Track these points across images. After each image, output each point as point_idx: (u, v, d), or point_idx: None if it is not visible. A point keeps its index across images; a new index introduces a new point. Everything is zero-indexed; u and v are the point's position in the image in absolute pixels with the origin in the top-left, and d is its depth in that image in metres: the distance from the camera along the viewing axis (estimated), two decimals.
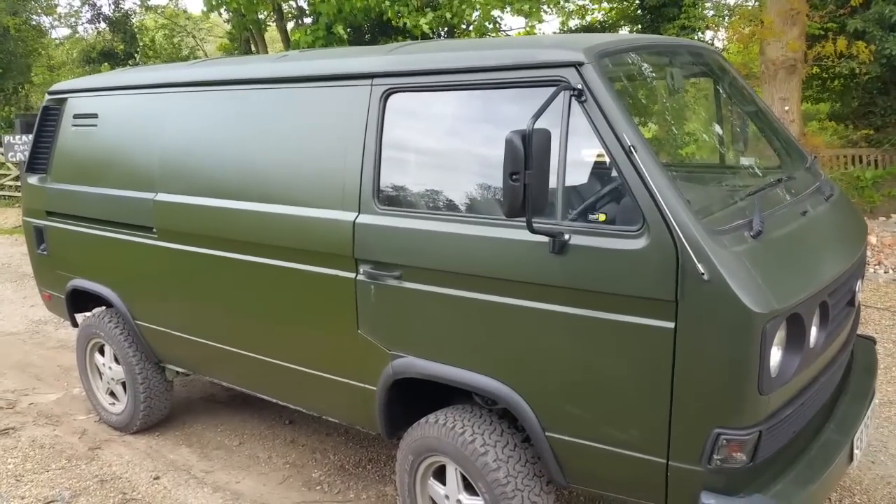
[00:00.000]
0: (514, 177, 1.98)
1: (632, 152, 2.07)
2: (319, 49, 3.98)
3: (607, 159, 2.17)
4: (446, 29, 12.58)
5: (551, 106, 2.09)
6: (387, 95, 2.62)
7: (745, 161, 3.03)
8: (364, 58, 2.77)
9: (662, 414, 2.10)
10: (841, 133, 12.61)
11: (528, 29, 14.16)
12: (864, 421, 2.53)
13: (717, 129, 3.12)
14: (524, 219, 2.05)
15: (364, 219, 2.63)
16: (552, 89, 2.19)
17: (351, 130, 2.69)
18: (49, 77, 18.07)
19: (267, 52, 14.16)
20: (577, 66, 2.20)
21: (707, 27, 11.74)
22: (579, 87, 2.17)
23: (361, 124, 2.66)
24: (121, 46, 18.03)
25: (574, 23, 15.26)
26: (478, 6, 9.56)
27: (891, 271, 6.79)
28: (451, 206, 2.51)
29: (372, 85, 2.66)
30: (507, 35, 15.08)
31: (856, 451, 2.45)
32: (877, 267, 6.86)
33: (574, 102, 2.18)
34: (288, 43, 13.32)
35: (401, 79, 2.60)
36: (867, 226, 3.04)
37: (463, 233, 2.39)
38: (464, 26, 12.51)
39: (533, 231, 2.07)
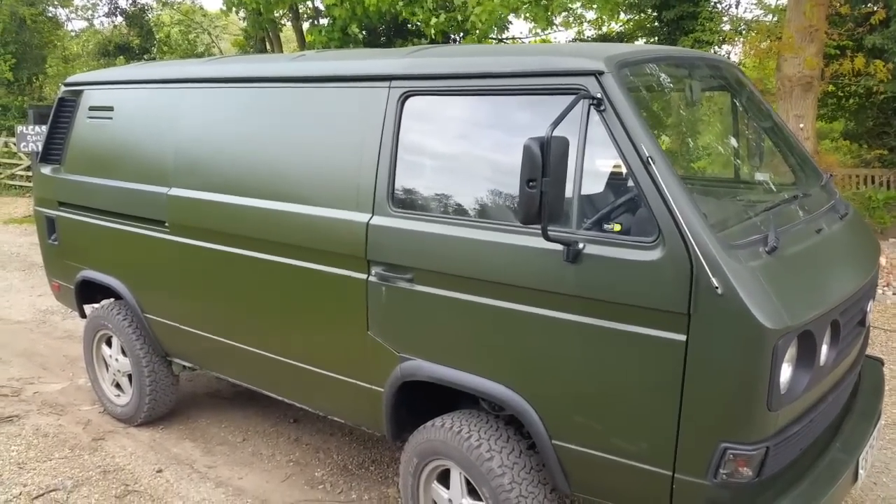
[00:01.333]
0: (531, 184, 1.99)
1: (649, 163, 2.07)
2: (337, 50, 4.00)
3: (624, 169, 2.17)
4: (462, 33, 12.61)
5: (569, 114, 2.09)
6: (404, 98, 2.63)
7: (760, 176, 3.02)
8: (382, 60, 2.79)
9: (670, 426, 2.10)
10: (854, 152, 12.58)
11: (544, 37, 14.19)
12: (870, 441, 2.52)
13: (734, 143, 3.12)
14: (539, 226, 2.05)
15: (378, 220, 2.63)
16: (570, 97, 2.19)
17: (367, 132, 2.70)
18: (63, 69, 18.17)
19: (282, 52, 14.22)
20: (596, 74, 2.21)
21: (723, 41, 11.72)
22: (598, 96, 2.18)
23: (378, 126, 2.67)
24: (136, 41, 18.13)
25: (590, 33, 15.29)
26: (480, 12, 9.57)
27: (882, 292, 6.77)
28: (465, 210, 2.51)
29: (390, 87, 2.67)
30: (522, 41, 15.12)
31: (860, 472, 2.44)
32: (885, 288, 6.82)
33: (593, 111, 2.18)
34: (303, 43, 13.38)
35: (419, 82, 2.60)
36: (880, 246, 3.03)
37: (477, 238, 2.39)
38: (476, 31, 12.54)
39: (548, 239, 2.07)
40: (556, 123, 1.99)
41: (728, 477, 2.04)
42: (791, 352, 2.03)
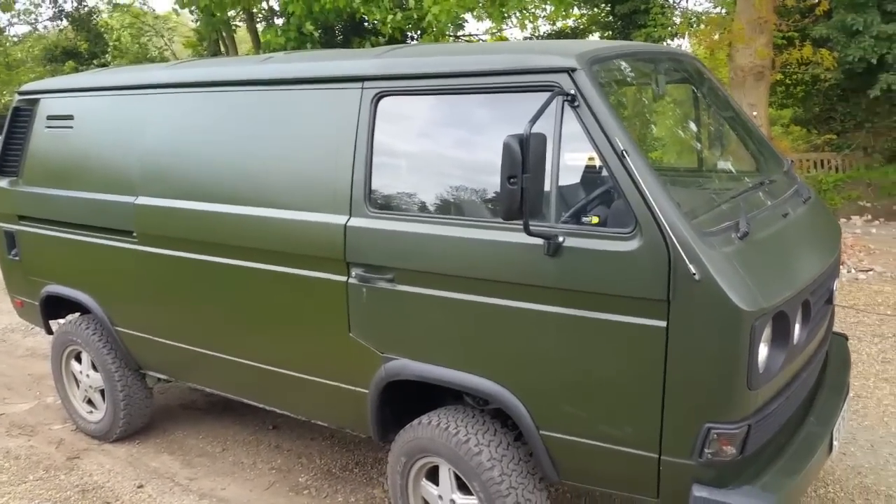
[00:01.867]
0: (511, 180, 2.02)
1: (624, 156, 2.13)
2: (306, 51, 3.97)
3: (599, 163, 2.22)
4: (419, 31, 12.61)
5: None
6: (378, 99, 2.63)
7: (724, 165, 3.11)
8: (354, 60, 2.79)
9: (655, 410, 2.16)
10: (804, 138, 13.01)
11: (499, 35, 14.27)
12: (842, 413, 2.63)
13: (698, 133, 3.21)
14: (521, 221, 2.09)
15: (356, 222, 2.63)
16: (542, 94, 2.24)
17: (341, 133, 2.70)
18: (7, 76, 17.54)
19: (237, 53, 14.00)
20: (569, 71, 2.25)
21: (675, 34, 12.00)
22: (572, 92, 2.22)
23: (352, 127, 2.67)
24: (84, 45, 17.59)
25: (545, 29, 15.45)
26: (438, 12, 9.59)
27: (852, 271, 7.03)
28: (444, 208, 2.53)
29: (363, 88, 2.67)
30: (479, 39, 15.17)
31: (835, 443, 2.54)
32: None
33: (567, 107, 2.23)
34: (258, 44, 13.20)
35: (392, 82, 2.61)
36: (840, 227, 3.15)
37: (457, 235, 2.42)
38: (433, 29, 12.56)
39: (530, 233, 2.11)
40: (534, 120, 2.03)
41: (713, 456, 2.11)
42: (767, 332, 2.11)
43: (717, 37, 8.08)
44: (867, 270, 7.01)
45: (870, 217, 10.04)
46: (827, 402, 2.64)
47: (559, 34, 15.19)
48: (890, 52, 9.69)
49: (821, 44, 9.76)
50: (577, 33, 14.98)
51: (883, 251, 7.89)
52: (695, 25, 11.70)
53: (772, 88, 10.45)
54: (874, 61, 9.81)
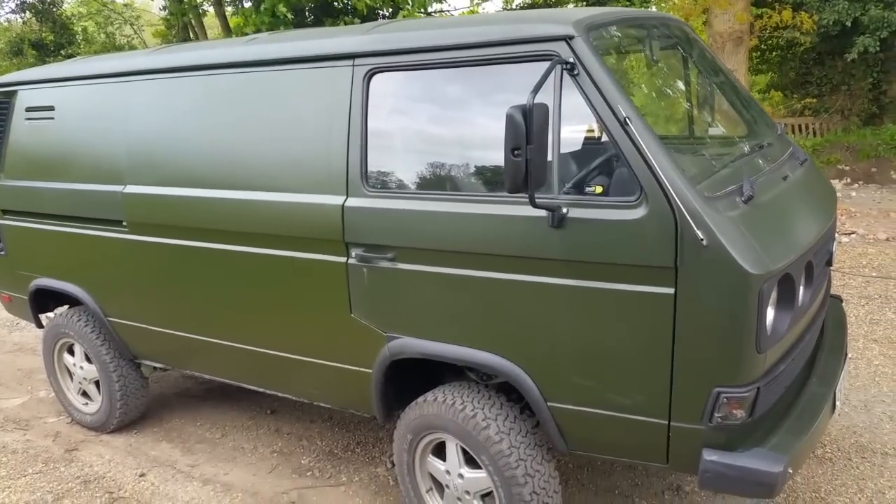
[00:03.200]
0: (515, 152, 2.00)
1: (627, 123, 2.11)
2: (292, 31, 3.90)
3: (602, 132, 2.20)
4: (391, 9, 12.41)
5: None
6: (370, 76, 2.59)
7: (719, 130, 3.11)
8: (343, 38, 2.73)
9: (664, 377, 2.17)
10: (783, 103, 13.08)
11: (473, 7, 14.11)
12: (843, 374, 2.67)
13: (692, 99, 3.20)
14: (525, 194, 2.07)
15: (353, 202, 2.60)
16: (539, 64, 2.21)
17: (333, 113, 2.65)
18: None
19: (206, 38, 13.72)
20: (567, 39, 2.22)
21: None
22: (571, 60, 2.19)
23: (345, 106, 2.62)
24: (50, 37, 17.14)
25: (518, 0, 15.29)
26: None
27: (836, 235, 7.13)
28: (443, 184, 2.50)
29: (354, 66, 2.62)
30: (451, 14, 14.97)
31: (837, 403, 2.58)
32: None
33: (566, 76, 2.20)
34: (228, 29, 12.93)
35: (384, 58, 2.56)
36: (835, 189, 3.18)
37: (458, 211, 2.39)
38: (409, 6, 12.34)
39: (535, 206, 2.09)
40: (536, 90, 2.00)
41: (722, 420, 2.13)
42: (774, 295, 2.12)
43: (698, 1, 8.03)
44: (850, 233, 7.11)
45: (849, 180, 10.16)
46: (828, 363, 2.68)
47: (532, 5, 15.03)
48: (864, 14, 9.75)
49: (796, 8, 9.79)
50: (550, 4, 14.82)
51: (864, 213, 8.01)
52: None
53: (748, 54, 10.49)
54: (849, 24, 9.87)
